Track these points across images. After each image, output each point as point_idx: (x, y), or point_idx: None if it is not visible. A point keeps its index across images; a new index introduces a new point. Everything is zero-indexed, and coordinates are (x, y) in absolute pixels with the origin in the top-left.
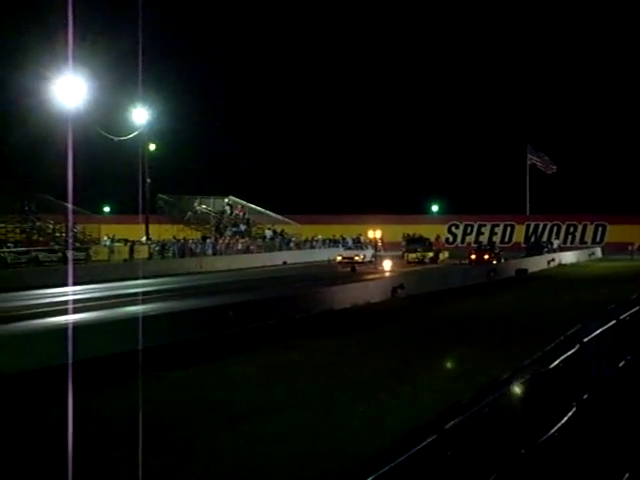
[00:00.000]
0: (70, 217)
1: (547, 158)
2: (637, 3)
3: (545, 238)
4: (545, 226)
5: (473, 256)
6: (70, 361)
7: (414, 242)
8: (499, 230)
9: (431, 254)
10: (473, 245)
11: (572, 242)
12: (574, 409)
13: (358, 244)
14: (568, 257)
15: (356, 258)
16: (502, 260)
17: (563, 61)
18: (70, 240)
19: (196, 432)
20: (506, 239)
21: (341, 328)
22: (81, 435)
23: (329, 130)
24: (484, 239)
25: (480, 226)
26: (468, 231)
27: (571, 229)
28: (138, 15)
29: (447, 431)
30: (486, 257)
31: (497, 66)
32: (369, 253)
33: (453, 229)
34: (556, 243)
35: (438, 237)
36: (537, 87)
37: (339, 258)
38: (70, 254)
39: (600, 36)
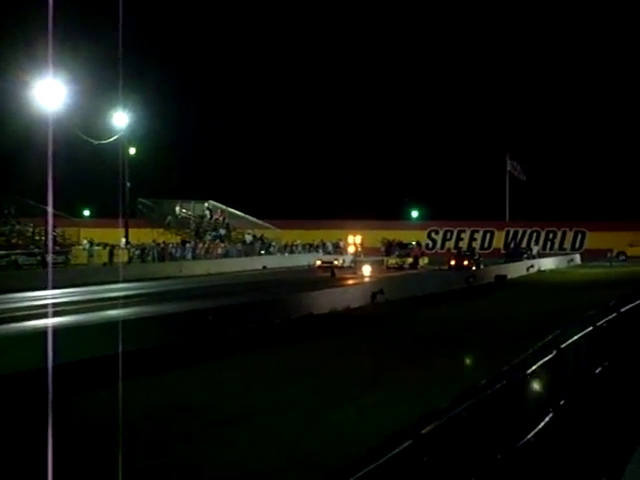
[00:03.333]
0: (50, 220)
1: (519, 167)
2: (611, 18)
3: (524, 244)
4: (524, 232)
5: (452, 262)
6: (50, 365)
7: (401, 247)
8: (478, 236)
9: (411, 260)
10: (453, 251)
11: (551, 248)
12: (551, 415)
13: (337, 249)
14: (547, 263)
15: (335, 263)
16: (481, 266)
17: (541, 68)
18: (50, 243)
19: (175, 437)
20: (485, 245)
21: (320, 333)
22: (59, 441)
23: (309, 135)
24: (464, 245)
25: (460, 232)
26: (448, 237)
27: (550, 235)
28: (118, 19)
29: (423, 436)
30: (465, 263)
31: (477, 72)
32: (348, 258)
33: (433, 235)
34: (535, 249)
35: (419, 243)
36: (517, 94)
37: (318, 262)
38: (50, 257)
39: (576, 44)
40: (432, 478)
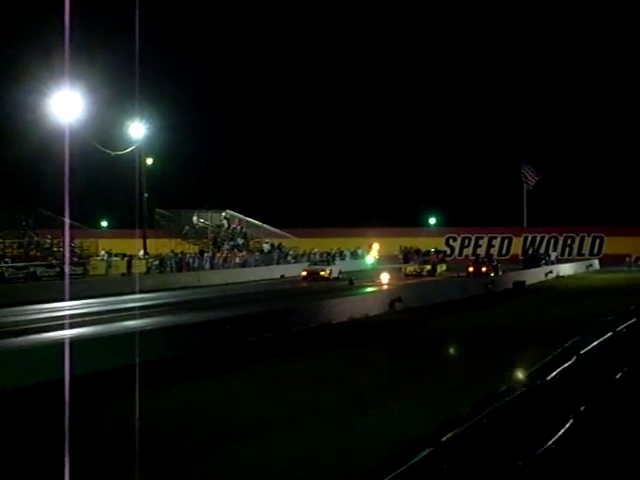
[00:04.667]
0: (67, 232)
1: (530, 171)
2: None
3: (543, 250)
4: (543, 238)
5: (471, 268)
6: (68, 376)
7: (419, 254)
8: (496, 242)
9: (429, 267)
10: (471, 258)
11: (570, 254)
12: (571, 421)
13: (327, 258)
14: (566, 269)
15: (322, 273)
16: (500, 272)
17: (559, 74)
18: (67, 255)
19: (194, 446)
20: (503, 251)
21: (338, 341)
22: (77, 451)
23: (326, 143)
24: (481, 251)
25: (477, 238)
26: (465, 243)
27: (569, 241)
28: (135, 30)
29: (444, 444)
30: (484, 269)
31: (493, 78)
32: (336, 269)
33: (450, 241)
34: (554, 255)
35: (437, 250)
36: (534, 99)
37: (304, 273)
38: (67, 269)
39: (598, 48)
40: None
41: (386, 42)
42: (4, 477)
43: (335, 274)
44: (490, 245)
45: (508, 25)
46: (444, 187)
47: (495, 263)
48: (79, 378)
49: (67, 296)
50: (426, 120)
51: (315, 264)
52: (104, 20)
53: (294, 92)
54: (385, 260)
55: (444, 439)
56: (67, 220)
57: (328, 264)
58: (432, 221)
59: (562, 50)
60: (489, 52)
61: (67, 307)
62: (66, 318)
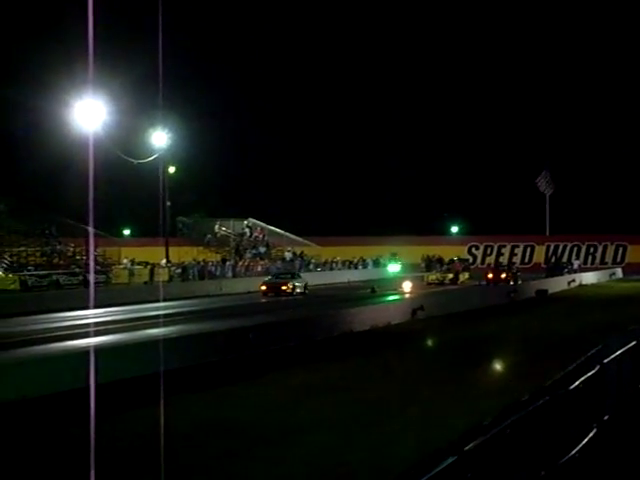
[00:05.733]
0: (91, 240)
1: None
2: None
3: (565, 259)
4: (565, 247)
5: (490, 275)
6: (92, 384)
7: (441, 263)
8: (519, 251)
9: (451, 275)
10: (491, 265)
11: (592, 262)
12: (595, 430)
13: (291, 270)
14: (589, 278)
15: (283, 288)
16: (519, 280)
17: (580, 82)
18: (91, 263)
19: (220, 454)
20: (526, 260)
21: (362, 350)
22: (101, 459)
23: (349, 151)
24: (504, 260)
25: (500, 247)
26: (488, 252)
27: (591, 249)
28: (158, 38)
29: (467, 452)
30: (503, 276)
31: (517, 87)
32: (300, 283)
33: (473, 250)
34: (576, 264)
35: (460, 259)
36: (556, 108)
37: (263, 287)
38: (91, 277)
39: (625, 54)
40: None
41: (411, 55)
42: None
43: (299, 289)
44: (513, 253)
45: (532, 39)
46: (467, 195)
47: (515, 271)
48: (103, 386)
49: (90, 304)
50: (448, 130)
51: (277, 277)
52: (127, 28)
53: (316, 100)
54: (407, 268)
55: (467, 448)
56: (91, 229)
57: (292, 277)
58: (454, 229)
59: (586, 58)
60: (512, 62)
61: (90, 315)
62: (89, 326)
